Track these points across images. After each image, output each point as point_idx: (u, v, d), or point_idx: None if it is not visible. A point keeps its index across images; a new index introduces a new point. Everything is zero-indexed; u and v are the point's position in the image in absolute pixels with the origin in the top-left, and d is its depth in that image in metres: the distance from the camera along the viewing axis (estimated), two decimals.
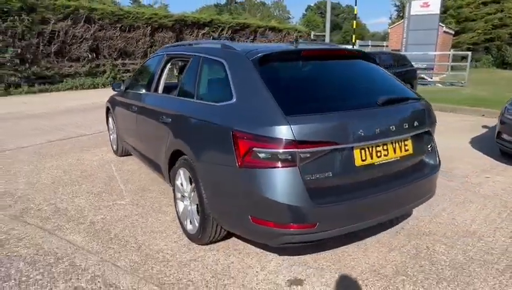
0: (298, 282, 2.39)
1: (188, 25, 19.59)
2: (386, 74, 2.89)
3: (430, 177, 2.65)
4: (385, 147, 2.35)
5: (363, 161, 2.26)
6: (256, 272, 2.50)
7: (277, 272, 2.50)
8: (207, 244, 2.80)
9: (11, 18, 12.89)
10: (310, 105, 2.24)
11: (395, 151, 2.41)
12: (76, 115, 8.94)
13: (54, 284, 2.38)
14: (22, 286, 2.37)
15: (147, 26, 17.41)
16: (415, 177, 2.54)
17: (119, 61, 16.76)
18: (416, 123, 2.51)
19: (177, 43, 4.31)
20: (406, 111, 2.55)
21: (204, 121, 2.53)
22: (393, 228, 3.10)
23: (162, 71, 3.68)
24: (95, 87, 15.54)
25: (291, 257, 2.67)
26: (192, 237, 2.82)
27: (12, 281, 2.42)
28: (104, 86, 15.78)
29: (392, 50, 18.98)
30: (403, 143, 2.46)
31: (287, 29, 26.98)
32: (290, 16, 74.28)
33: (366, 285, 2.33)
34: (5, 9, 12.75)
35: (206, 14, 22.77)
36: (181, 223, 3.02)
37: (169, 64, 3.68)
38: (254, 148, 2.06)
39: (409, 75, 9.58)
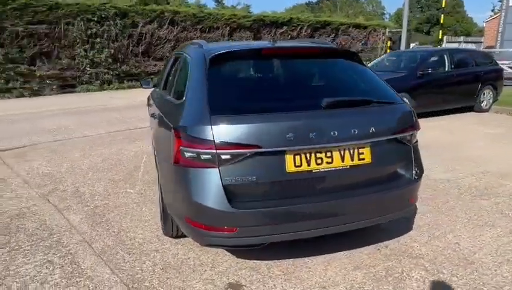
0: (237, 287, 2.33)
1: (266, 25, 19.91)
2: (366, 75, 2.61)
3: (399, 191, 2.32)
4: (329, 154, 2.13)
5: (297, 167, 2.08)
6: (204, 270, 2.51)
7: (223, 273, 2.47)
8: (176, 237, 2.88)
9: (108, 23, 14.71)
10: (240, 105, 2.16)
11: (343, 160, 2.16)
12: (145, 109, 9.84)
13: (34, 255, 2.72)
14: (11, 253, 2.76)
15: (225, 27, 18.21)
16: (374, 190, 2.26)
17: None
18: (379, 129, 2.23)
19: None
20: (365, 115, 2.27)
21: (162, 119, 2.61)
22: (377, 244, 2.79)
23: (170, 69, 3.87)
24: None
25: (247, 260, 2.60)
26: (163, 230, 2.94)
27: (7, 248, 2.84)
28: None
29: (486, 47, 16.60)
30: (356, 151, 2.19)
31: (373, 26, 25.52)
32: (385, 12, 70.12)
33: None
34: (103, 16, 14.59)
35: (285, 13, 22.80)
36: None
37: (176, 62, 3.86)
38: (181, 147, 2.07)
39: (489, 76, 8.33)
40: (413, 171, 2.41)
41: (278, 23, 20.37)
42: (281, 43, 2.67)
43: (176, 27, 16.66)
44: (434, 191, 3.80)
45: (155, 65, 16.39)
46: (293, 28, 21.02)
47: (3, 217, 3.37)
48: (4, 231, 3.12)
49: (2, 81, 12.64)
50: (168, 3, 25.79)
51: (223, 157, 1.98)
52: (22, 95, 12.97)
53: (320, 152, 2.10)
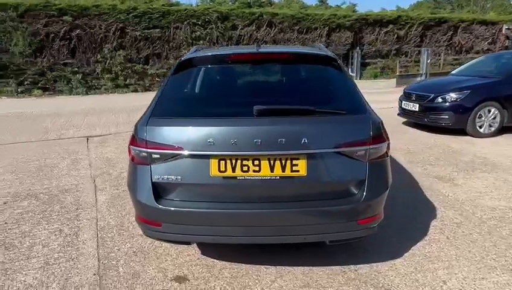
0: (181, 280, 2.45)
1: (369, 24, 18.93)
2: (337, 82, 2.41)
3: (340, 210, 2.09)
4: (256, 163, 2.06)
5: (221, 172, 2.07)
6: (166, 260, 2.69)
7: (179, 266, 2.61)
8: None
9: (210, 26, 16.03)
10: (179, 109, 2.24)
11: (272, 169, 2.06)
12: None
13: (53, 224, 3.30)
14: (40, 219, 3.40)
15: (324, 27, 17.95)
16: (309, 205, 2.09)
17: None
18: (318, 141, 2.05)
19: None
20: (302, 125, 2.10)
21: None
22: (347, 266, 2.55)
23: None
24: None
25: (208, 258, 2.68)
26: None
27: (41, 215, 3.50)
28: None
29: None
30: (288, 161, 2.06)
31: (504, 21, 21.86)
32: None
33: None
34: (207, 20, 15.94)
35: (393, 11, 21.22)
36: None
37: None
38: (130, 145, 2.28)
39: None
40: (364, 192, 2.14)
41: (382, 22, 19.13)
42: (259, 49, 2.64)
43: (273, 29, 17.13)
44: (463, 219, 3.22)
45: None
46: (401, 26, 19.46)
47: (55, 190, 4.13)
48: (48, 201, 3.84)
49: (122, 78, 14.91)
50: (271, 5, 26.55)
51: (154, 156, 2.13)
52: (136, 91, 15.09)
53: (247, 159, 2.06)
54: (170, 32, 15.48)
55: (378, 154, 2.18)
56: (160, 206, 2.13)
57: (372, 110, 2.36)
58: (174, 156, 2.11)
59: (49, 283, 2.45)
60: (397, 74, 16.77)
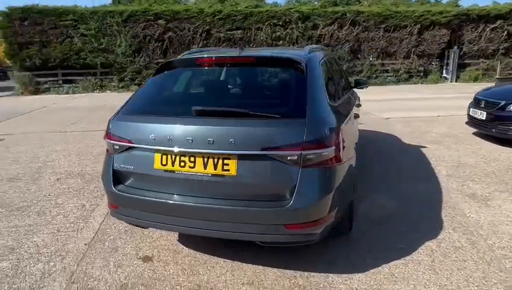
0: (147, 259, 2.72)
1: (471, 20, 16.88)
2: (292, 86, 2.38)
3: (267, 213, 2.08)
4: (192, 159, 2.17)
5: (163, 165, 2.25)
6: (144, 240, 2.99)
7: (152, 247, 2.87)
8: None
9: (291, 26, 16.17)
10: (140, 108, 2.47)
11: (205, 167, 2.15)
12: None
13: (81, 199, 3.90)
14: (75, 194, 4.04)
15: (415, 25, 16.60)
16: (236, 204, 2.13)
17: (378, 61, 17.05)
18: (249, 143, 2.08)
19: None
20: (235, 126, 2.13)
21: None
22: (301, 271, 2.51)
23: None
24: None
25: (179, 245, 2.90)
26: None
27: (78, 191, 4.15)
28: None
29: None
30: (219, 161, 2.13)
31: None
32: None
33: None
34: (287, 20, 16.13)
35: (505, 4, 18.45)
36: None
37: None
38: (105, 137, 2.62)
39: None
40: (293, 197, 2.08)
41: (489, 17, 16.86)
42: (241, 52, 2.72)
43: (356, 27, 16.49)
44: (467, 244, 2.83)
45: None
46: None
47: (100, 173, 4.81)
48: (89, 180, 4.50)
49: None
50: (359, 2, 25.37)
51: (115, 147, 2.42)
52: None
53: (184, 156, 2.20)
54: (251, 33, 16.08)
55: (316, 160, 2.11)
56: (116, 191, 2.42)
57: (328, 115, 2.30)
58: (128, 148, 2.38)
59: (50, 245, 2.96)
60: (497, 76, 14.62)
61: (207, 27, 15.82)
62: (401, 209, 3.51)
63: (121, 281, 2.47)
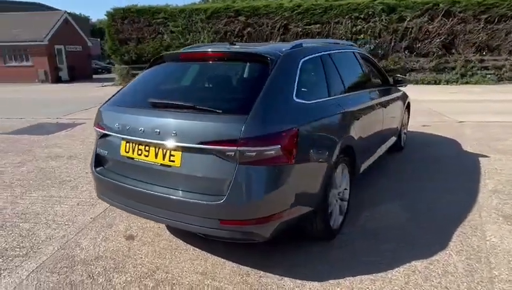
0: (130, 238, 2.95)
1: None
2: (251, 82, 2.32)
3: (201, 206, 2.08)
4: (147, 148, 2.29)
5: (126, 152, 2.40)
6: (132, 222, 3.24)
7: (136, 228, 3.09)
8: None
9: (374, 19, 15.24)
10: (121, 99, 2.65)
11: (156, 156, 2.24)
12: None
13: None
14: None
15: None
16: (178, 194, 2.19)
17: (476, 56, 15.06)
18: (190, 136, 2.11)
19: None
20: (182, 119, 2.17)
21: None
22: (258, 271, 2.45)
23: None
24: (436, 83, 15.27)
25: (164, 229, 3.08)
26: None
27: None
28: (447, 82, 15.13)
29: None
30: (167, 152, 2.20)
31: None
32: None
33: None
34: (370, 13, 15.23)
35: None
36: None
37: None
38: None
39: None
40: (227, 193, 2.03)
41: None
42: (230, 47, 2.73)
43: (450, 19, 14.79)
44: (464, 270, 2.41)
45: (417, 61, 15.43)
46: None
47: None
48: None
49: None
50: None
51: (98, 133, 2.68)
52: None
53: (142, 145, 2.32)
54: (330, 27, 15.61)
55: (257, 158, 2.04)
56: (96, 172, 2.68)
57: (282, 113, 2.22)
58: (104, 135, 2.61)
59: (65, 215, 3.41)
60: None
61: (285, 22, 15.86)
62: (407, 222, 3.14)
63: (98, 254, 2.74)
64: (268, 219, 2.14)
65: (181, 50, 3.09)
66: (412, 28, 15.03)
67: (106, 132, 2.58)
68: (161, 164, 2.27)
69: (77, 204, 3.67)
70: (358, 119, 3.12)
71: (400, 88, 5.04)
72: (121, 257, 2.70)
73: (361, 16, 15.30)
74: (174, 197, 2.22)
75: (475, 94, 11.90)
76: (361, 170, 3.35)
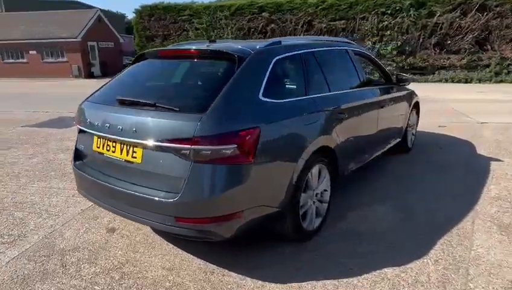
0: (112, 230, 3.04)
1: None
2: (216, 80, 2.33)
3: (157, 203, 2.10)
4: (114, 144, 2.35)
5: (98, 148, 2.46)
6: (114, 216, 3.31)
7: (118, 222, 3.16)
8: None
9: (401, 15, 14.69)
10: (97, 96, 2.72)
11: (121, 152, 2.29)
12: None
13: None
14: None
15: None
16: (138, 191, 2.22)
17: None
18: (148, 133, 2.14)
19: None
20: (141, 117, 2.19)
21: None
22: (223, 270, 2.45)
23: None
24: (467, 82, 14.52)
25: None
26: None
27: None
28: (479, 81, 14.35)
29: None
30: (131, 148, 2.25)
31: None
32: None
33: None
34: (397, 8, 14.69)
35: None
36: None
37: None
38: None
39: None
40: (182, 191, 2.02)
41: None
42: (208, 45, 2.73)
43: (485, 14, 13.98)
44: (437, 279, 2.29)
45: (447, 59, 14.75)
46: None
47: None
48: None
49: None
50: None
51: (78, 129, 2.77)
52: None
53: (110, 141, 2.37)
54: (356, 23, 15.22)
55: (211, 157, 2.03)
56: (74, 167, 2.77)
57: (243, 112, 2.20)
58: (82, 131, 2.70)
59: (58, 206, 3.55)
60: None
61: (309, 18, 15.63)
62: (393, 226, 3.02)
63: (77, 244, 2.84)
64: (225, 218, 2.13)
65: (168, 47, 3.13)
66: (443, 23, 14.36)
67: (82, 128, 2.66)
68: (125, 160, 2.32)
69: (72, 195, 3.81)
70: (342, 119, 3.02)
71: (407, 87, 4.84)
72: (98, 249, 2.77)
73: (388, 12, 14.78)
74: (135, 193, 2.25)
75: (506, 94, 11.20)
76: (347, 171, 3.25)
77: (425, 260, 2.53)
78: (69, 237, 2.96)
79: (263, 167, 2.23)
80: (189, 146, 2.03)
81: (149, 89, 2.70)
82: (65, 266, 2.56)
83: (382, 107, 3.83)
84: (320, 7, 15.38)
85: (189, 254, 2.66)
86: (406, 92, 4.68)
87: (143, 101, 2.29)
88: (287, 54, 2.72)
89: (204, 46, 2.82)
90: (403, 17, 14.65)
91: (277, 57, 2.59)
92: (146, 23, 17.19)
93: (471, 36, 14.22)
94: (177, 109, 2.15)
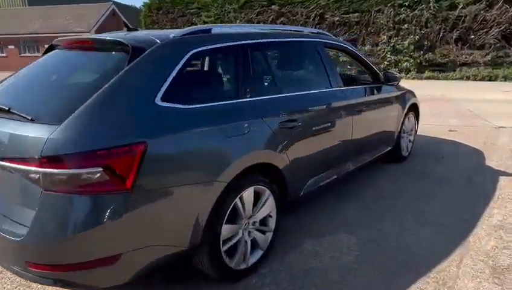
0: None
1: None
2: (92, 80, 1.80)
3: (7, 241, 1.57)
4: None
5: None
6: None
7: None
8: None
9: (420, 7, 13.68)
10: None
11: None
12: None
13: None
14: None
15: None
16: None
17: None
18: (1, 151, 1.62)
19: None
20: None
21: None
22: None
23: None
24: (491, 80, 13.39)
25: None
26: None
27: None
28: (505, 79, 13.22)
29: None
30: None
31: None
32: None
33: None
34: None
35: None
36: None
37: None
38: None
39: None
40: (27, 229, 1.49)
41: None
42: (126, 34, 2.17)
43: None
44: None
45: (470, 54, 13.64)
46: None
47: None
48: None
49: None
50: None
51: None
52: None
53: None
54: (370, 16, 14.33)
55: (70, 183, 1.48)
56: None
57: (117, 122, 1.62)
58: None
59: None
60: None
61: (321, 11, 14.85)
62: (354, 262, 2.40)
63: None
64: (89, 265, 1.58)
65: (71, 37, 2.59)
66: (466, 16, 13.24)
67: None
68: None
69: None
70: (294, 128, 2.42)
71: (404, 86, 4.17)
72: None
73: (406, 3, 13.79)
74: None
75: None
76: (304, 191, 2.64)
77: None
78: None
79: (152, 195, 1.66)
80: (38, 168, 1.49)
81: (18, 89, 2.15)
82: None
83: (360, 111, 3.18)
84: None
85: None
86: (399, 92, 4.00)
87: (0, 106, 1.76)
88: (212, 46, 2.13)
89: (96, 36, 2.26)
90: (422, 9, 13.61)
91: (194, 50, 2.00)
92: (154, 17, 16.83)
93: (497, 30, 13.05)
94: (29, 118, 1.60)
